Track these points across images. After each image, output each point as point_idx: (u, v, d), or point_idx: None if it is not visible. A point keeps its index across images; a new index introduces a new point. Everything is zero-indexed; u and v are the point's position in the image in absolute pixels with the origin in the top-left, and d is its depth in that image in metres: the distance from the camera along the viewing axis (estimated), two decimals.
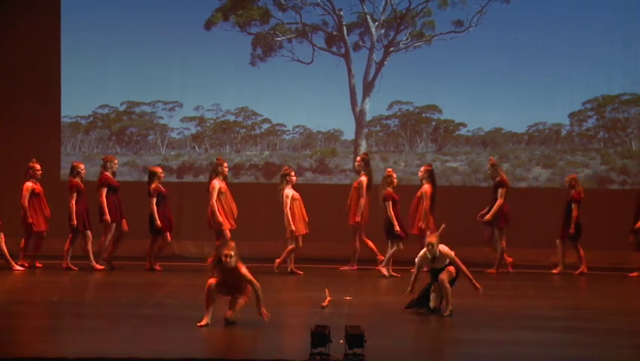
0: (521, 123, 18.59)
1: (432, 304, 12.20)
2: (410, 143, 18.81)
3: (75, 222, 16.04)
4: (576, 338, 11.02)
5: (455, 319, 11.88)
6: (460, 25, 18.39)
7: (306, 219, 16.17)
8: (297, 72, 18.53)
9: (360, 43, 18.62)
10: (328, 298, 12.72)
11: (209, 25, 18.58)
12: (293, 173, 16.28)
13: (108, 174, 16.36)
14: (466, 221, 16.17)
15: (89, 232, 16.16)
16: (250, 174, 18.75)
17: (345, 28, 18.55)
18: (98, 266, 16.09)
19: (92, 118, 18.99)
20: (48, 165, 16.80)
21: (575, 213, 16.54)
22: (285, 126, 18.96)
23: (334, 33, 18.58)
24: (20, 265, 16.06)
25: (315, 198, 16.69)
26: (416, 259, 12.44)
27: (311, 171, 18.71)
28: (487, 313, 12.40)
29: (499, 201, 16.33)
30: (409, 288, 12.42)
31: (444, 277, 12.08)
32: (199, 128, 18.92)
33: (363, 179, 16.47)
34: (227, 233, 15.62)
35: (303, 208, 16.18)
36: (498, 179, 16.48)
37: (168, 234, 16.30)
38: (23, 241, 16.25)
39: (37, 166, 16.29)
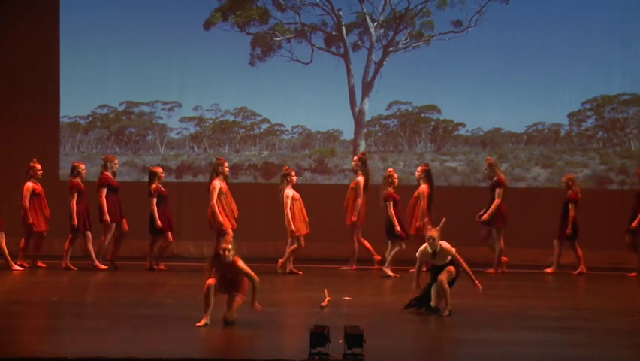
0: (520, 123, 18.59)
1: (432, 303, 12.20)
2: (409, 143, 18.82)
3: (76, 222, 16.03)
4: (575, 338, 11.03)
5: (454, 319, 11.89)
6: (459, 26, 18.39)
7: (307, 219, 16.17)
8: (296, 72, 18.53)
9: (359, 43, 18.62)
10: (327, 298, 12.73)
11: (208, 25, 18.58)
12: (293, 173, 16.29)
13: (108, 174, 16.36)
14: (465, 221, 16.15)
15: (88, 233, 16.16)
16: (249, 174, 18.75)
17: (344, 28, 18.55)
18: (102, 266, 16.10)
19: (91, 118, 18.98)
20: (47, 165, 16.79)
21: (572, 213, 16.53)
22: (284, 126, 18.96)
23: (333, 33, 18.58)
24: (19, 265, 16.06)
25: (314, 198, 16.69)
26: (417, 254, 12.47)
27: (310, 171, 18.71)
28: (486, 313, 12.41)
29: (496, 201, 16.33)
30: (414, 283, 12.45)
31: (443, 277, 12.08)
32: (198, 128, 18.92)
33: (360, 179, 16.48)
34: (230, 232, 15.60)
35: (304, 208, 16.19)
36: (495, 179, 16.48)
37: (169, 234, 16.30)
38: (23, 240, 16.24)
39: (38, 166, 16.28)
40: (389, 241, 15.97)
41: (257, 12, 18.58)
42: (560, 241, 16.68)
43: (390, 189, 16.01)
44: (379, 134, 18.89)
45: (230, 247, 11.09)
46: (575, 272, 16.52)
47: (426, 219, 12.49)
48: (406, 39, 18.51)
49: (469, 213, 16.42)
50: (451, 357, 10.42)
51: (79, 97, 18.73)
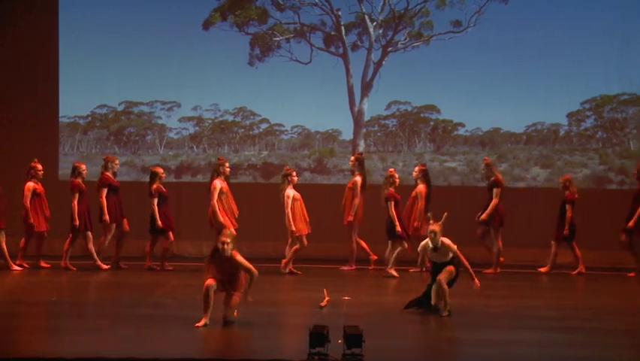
0: (520, 123, 18.60)
1: (432, 301, 12.19)
2: (408, 143, 18.82)
3: (78, 222, 16.03)
4: (575, 338, 11.02)
5: (454, 319, 11.88)
6: (458, 26, 18.39)
7: (307, 219, 16.18)
8: (295, 72, 18.53)
9: (359, 43, 18.62)
10: (327, 298, 12.73)
11: (207, 25, 18.58)
12: (294, 173, 16.30)
13: (109, 174, 16.37)
14: (465, 221, 16.13)
15: (89, 233, 16.16)
16: (248, 174, 18.74)
17: (343, 28, 18.55)
18: (104, 266, 16.09)
19: (90, 118, 18.98)
20: (46, 165, 16.75)
21: (569, 214, 16.53)
22: (284, 126, 18.96)
23: (332, 33, 18.59)
24: (18, 265, 16.05)
25: (313, 198, 16.68)
26: (418, 249, 12.51)
27: (309, 171, 18.71)
28: (485, 314, 12.41)
29: (494, 201, 16.35)
30: (422, 267, 12.56)
31: (442, 277, 12.08)
32: (197, 128, 18.92)
33: (358, 179, 16.49)
34: (232, 231, 15.55)
35: (304, 209, 16.20)
36: (493, 179, 16.50)
37: (171, 233, 16.31)
38: (23, 240, 16.24)
39: (39, 166, 16.29)
40: (389, 242, 15.96)
41: (256, 12, 18.58)
42: (557, 241, 16.68)
43: (392, 189, 16.01)
44: (378, 134, 18.89)
45: (228, 240, 11.13)
46: (574, 272, 16.52)
47: (429, 214, 12.45)
48: (405, 39, 18.52)
49: (469, 213, 16.43)
50: (451, 357, 10.42)
51: (78, 97, 18.74)
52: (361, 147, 18.50)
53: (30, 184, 16.15)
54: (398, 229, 15.83)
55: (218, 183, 15.93)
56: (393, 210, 15.90)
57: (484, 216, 16.36)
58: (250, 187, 18.29)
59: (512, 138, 18.70)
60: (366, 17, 18.49)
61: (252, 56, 18.62)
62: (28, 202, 16.07)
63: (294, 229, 15.98)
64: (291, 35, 18.61)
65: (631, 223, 16.24)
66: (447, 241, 12.19)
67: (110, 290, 14.51)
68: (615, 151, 18.47)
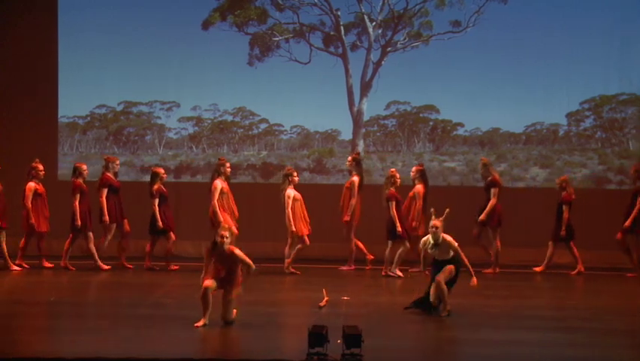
0: (519, 123, 18.59)
1: (431, 299, 12.19)
2: (408, 143, 18.81)
3: (80, 222, 16.02)
4: (575, 338, 11.03)
5: (453, 319, 11.89)
6: (457, 26, 18.38)
7: (308, 219, 16.18)
8: (295, 72, 18.53)
9: (358, 43, 18.61)
10: (326, 298, 12.74)
11: (206, 25, 18.57)
12: (295, 173, 16.30)
13: (110, 174, 16.38)
14: (464, 221, 16.11)
15: (90, 233, 16.15)
16: (248, 174, 18.74)
17: (342, 28, 18.55)
18: (104, 266, 16.09)
19: (89, 118, 18.97)
20: (45, 165, 16.71)
21: (565, 215, 16.51)
22: (283, 126, 18.95)
23: (332, 33, 18.58)
24: (18, 265, 16.05)
25: (312, 198, 16.67)
26: (420, 244, 12.52)
27: (308, 171, 18.70)
28: (485, 314, 12.41)
29: (492, 201, 16.36)
30: (422, 268, 12.59)
31: (440, 278, 12.09)
32: (196, 128, 18.92)
33: (355, 179, 16.49)
34: (234, 230, 15.55)
35: (305, 209, 16.20)
36: (490, 179, 16.51)
37: (172, 233, 16.30)
38: (23, 240, 16.23)
39: (40, 166, 16.29)
40: (389, 242, 15.94)
41: (255, 12, 18.58)
42: (555, 242, 16.67)
43: (393, 190, 15.99)
44: (378, 134, 18.89)
45: (227, 233, 11.17)
46: (574, 272, 16.52)
47: (432, 209, 12.44)
48: (405, 39, 18.51)
49: (468, 214, 16.41)
50: (451, 357, 10.42)
51: (77, 97, 18.72)
52: (360, 147, 18.50)
53: (31, 184, 16.14)
54: (399, 229, 15.82)
55: (219, 184, 15.93)
56: (394, 210, 15.89)
57: (482, 216, 16.36)
58: (249, 187, 18.28)
59: (511, 138, 18.70)
60: (366, 17, 18.48)
61: (252, 56, 18.62)
62: (30, 202, 16.07)
63: (294, 229, 15.99)
64: (291, 35, 18.61)
65: (628, 223, 16.25)
66: (448, 237, 12.19)
67: (110, 290, 14.51)
68: (614, 151, 18.47)
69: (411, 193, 16.45)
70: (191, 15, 18.51)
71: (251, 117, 18.86)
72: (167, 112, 18.85)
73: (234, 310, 11.32)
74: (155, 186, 16.23)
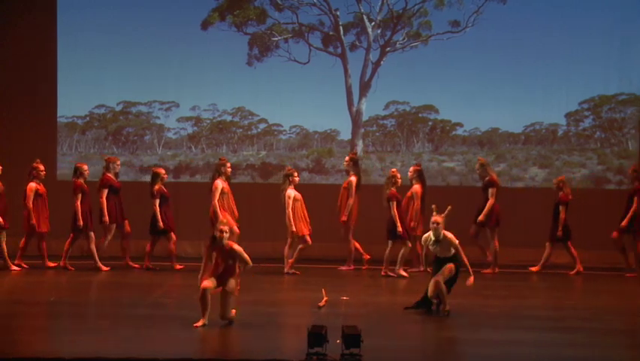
0: (518, 123, 18.59)
1: (429, 293, 12.18)
2: (407, 143, 18.81)
3: (82, 222, 16.01)
4: (575, 338, 11.03)
5: (453, 319, 11.90)
6: (456, 26, 18.38)
7: (308, 219, 16.18)
8: (294, 72, 18.52)
9: (357, 43, 18.61)
10: (325, 298, 12.74)
11: (205, 25, 18.56)
12: (296, 174, 16.30)
13: (110, 175, 16.38)
14: (463, 221, 16.12)
15: (92, 233, 16.15)
16: (247, 174, 18.73)
17: (341, 28, 18.54)
18: (104, 267, 16.07)
19: (88, 118, 18.96)
20: (44, 165, 16.71)
21: (562, 215, 16.50)
22: (282, 126, 18.95)
23: (331, 33, 18.58)
24: (17, 265, 16.04)
25: (311, 198, 16.66)
26: (421, 241, 12.51)
27: (307, 171, 18.70)
28: (484, 313, 12.41)
29: (490, 201, 16.36)
30: (425, 267, 12.60)
31: (439, 278, 12.09)
32: (195, 128, 18.91)
33: (353, 179, 16.48)
34: (236, 229, 15.58)
35: (305, 209, 16.20)
36: (487, 179, 16.51)
37: (172, 234, 16.30)
38: (23, 241, 16.22)
39: (41, 167, 16.29)
40: (389, 242, 15.92)
41: (254, 12, 18.57)
42: (552, 242, 16.67)
43: (394, 190, 15.98)
44: (377, 134, 18.89)
45: (226, 228, 11.21)
46: (572, 272, 16.51)
47: (433, 206, 12.44)
48: (404, 39, 18.51)
49: (467, 214, 16.40)
50: (450, 357, 10.43)
51: (76, 97, 18.71)
52: (360, 147, 18.50)
53: (32, 185, 16.14)
54: (399, 229, 15.80)
55: (220, 184, 15.94)
56: (395, 210, 15.87)
57: (481, 217, 16.36)
58: (249, 187, 18.27)
59: (510, 138, 18.70)
60: (365, 17, 18.48)
61: (251, 56, 18.62)
62: (31, 203, 16.06)
63: (294, 229, 15.98)
64: (290, 35, 18.60)
65: (624, 222, 16.28)
66: (449, 234, 12.20)
67: (109, 290, 14.51)
68: (613, 151, 18.47)
69: (408, 193, 16.45)
70: (190, 15, 18.50)
71: (250, 117, 18.86)
72: (166, 112, 18.85)
73: (233, 311, 11.33)
74: (156, 187, 16.23)
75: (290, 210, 15.99)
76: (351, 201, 16.39)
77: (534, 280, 16.07)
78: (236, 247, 11.26)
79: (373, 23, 18.47)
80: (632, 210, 16.33)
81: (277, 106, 18.69)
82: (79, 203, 16.04)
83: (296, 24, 18.58)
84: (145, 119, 18.88)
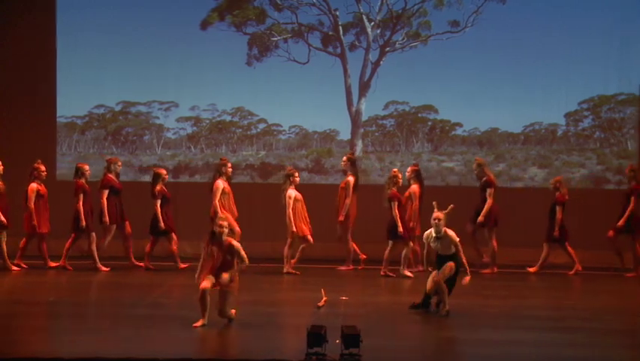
0: (517, 123, 18.60)
1: (427, 288, 12.17)
2: (406, 143, 18.81)
3: (84, 223, 16.00)
4: (575, 338, 11.03)
5: (452, 319, 11.89)
6: (456, 26, 18.39)
7: (308, 220, 16.18)
8: (293, 72, 18.53)
9: (356, 43, 18.61)
10: (324, 298, 12.74)
11: (205, 25, 18.57)
12: (297, 174, 16.30)
13: (112, 175, 16.37)
14: (462, 221, 16.12)
15: (93, 234, 16.14)
16: (246, 174, 18.73)
17: (341, 28, 18.55)
18: (104, 268, 16.06)
19: (87, 118, 18.96)
20: (44, 165, 16.72)
21: (559, 215, 16.48)
22: (281, 126, 18.95)
23: (330, 33, 18.58)
24: (16, 265, 16.03)
25: (311, 198, 16.66)
26: (423, 238, 12.51)
27: (307, 171, 18.70)
28: (484, 313, 12.41)
29: (488, 201, 16.35)
30: (425, 267, 12.57)
31: (439, 278, 12.09)
32: (195, 128, 18.91)
33: (350, 179, 16.48)
34: (237, 229, 15.57)
35: (305, 209, 16.19)
36: (485, 179, 16.50)
37: (173, 234, 16.30)
38: (23, 241, 16.21)
39: (42, 167, 16.27)
40: (389, 242, 15.91)
41: (254, 12, 18.58)
42: (549, 243, 16.66)
43: (395, 190, 15.97)
44: (376, 134, 18.89)
45: (225, 223, 11.21)
46: (571, 272, 16.50)
47: (434, 202, 12.44)
48: (403, 39, 18.51)
49: (466, 214, 16.39)
50: (450, 357, 10.43)
51: (76, 97, 18.71)
52: (359, 147, 18.50)
53: (33, 185, 16.12)
54: (400, 229, 15.78)
55: (221, 184, 15.94)
56: (396, 210, 15.85)
57: (480, 218, 16.35)
58: (248, 187, 18.27)
59: (510, 138, 18.71)
60: (364, 17, 18.49)
61: (250, 56, 18.62)
62: (32, 204, 16.05)
63: (294, 229, 15.98)
64: (289, 35, 18.61)
65: (621, 222, 16.28)
66: (450, 232, 12.19)
67: (109, 290, 14.50)
68: (613, 151, 18.48)
69: (406, 193, 16.43)
70: (190, 15, 18.50)
71: (249, 117, 18.86)
72: (165, 112, 18.85)
73: (233, 310, 11.32)
74: (158, 187, 16.22)
75: (290, 210, 15.99)
76: (348, 201, 16.38)
77: (533, 280, 16.07)
78: (235, 243, 11.26)
79: (373, 23, 18.48)
80: (628, 209, 16.33)
81: (276, 106, 18.70)
82: (81, 204, 16.04)
83: (295, 24, 18.59)
84: (144, 119, 18.88)
